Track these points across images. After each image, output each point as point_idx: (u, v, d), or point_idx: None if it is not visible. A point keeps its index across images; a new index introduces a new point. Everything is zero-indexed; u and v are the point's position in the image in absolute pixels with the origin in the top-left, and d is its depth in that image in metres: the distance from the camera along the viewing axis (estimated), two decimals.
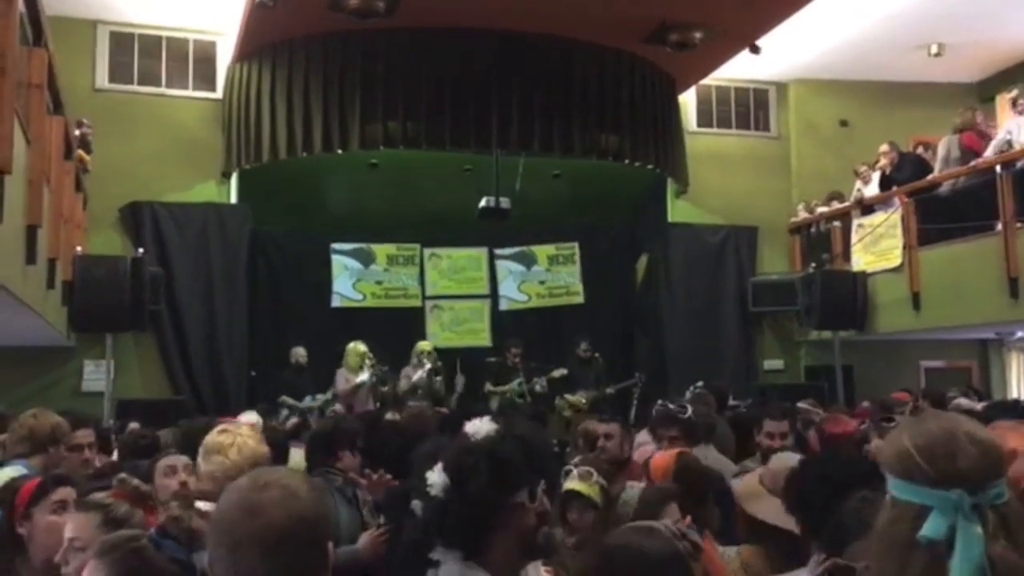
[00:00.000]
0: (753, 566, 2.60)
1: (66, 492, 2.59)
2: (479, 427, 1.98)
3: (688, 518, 2.36)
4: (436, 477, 1.85)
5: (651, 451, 4.26)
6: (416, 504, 1.91)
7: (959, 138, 9.15)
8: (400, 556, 2.03)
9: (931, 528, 1.28)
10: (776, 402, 6.70)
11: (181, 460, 3.25)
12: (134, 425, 5.91)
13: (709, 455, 4.40)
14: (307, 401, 9.36)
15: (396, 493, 1.93)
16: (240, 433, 2.93)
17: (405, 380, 9.59)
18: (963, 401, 6.92)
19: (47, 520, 2.51)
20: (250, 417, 3.38)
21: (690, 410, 4.39)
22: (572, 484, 2.94)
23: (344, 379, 9.39)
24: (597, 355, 10.23)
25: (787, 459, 2.98)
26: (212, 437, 2.90)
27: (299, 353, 9.76)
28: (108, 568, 1.84)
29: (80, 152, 8.40)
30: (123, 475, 2.61)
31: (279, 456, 4.00)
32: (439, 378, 9.63)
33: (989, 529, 1.27)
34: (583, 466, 3.05)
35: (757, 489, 2.83)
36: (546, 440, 2.53)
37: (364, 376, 9.30)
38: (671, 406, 4.50)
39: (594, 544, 1.90)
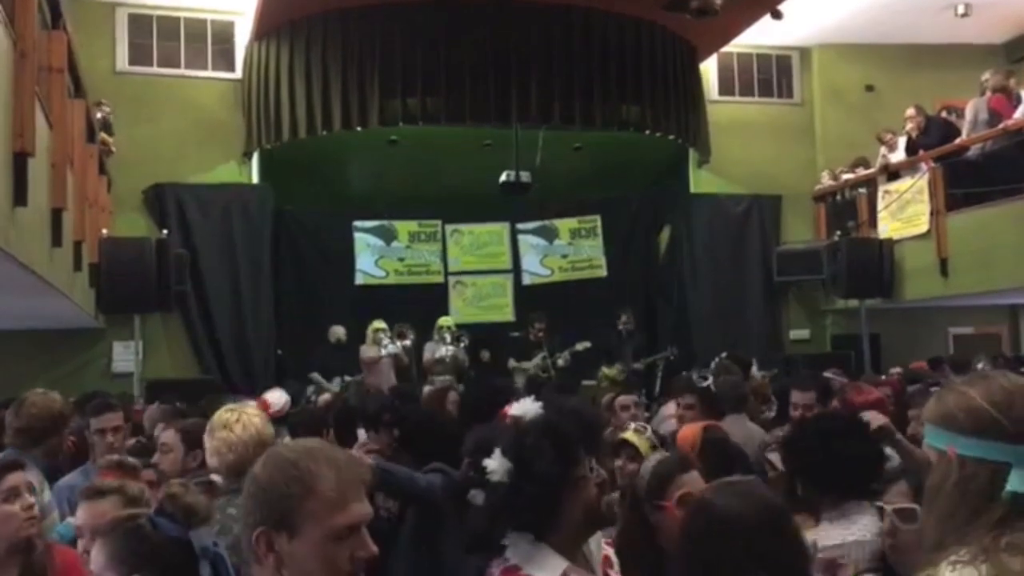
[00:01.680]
0: None
1: (16, 478, 2.51)
2: (526, 408, 1.98)
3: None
4: (496, 463, 1.84)
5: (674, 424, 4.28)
6: (475, 494, 1.88)
7: (987, 100, 8.97)
8: (464, 545, 2.05)
9: (1017, 483, 1.26)
10: (805, 371, 6.66)
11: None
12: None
13: (742, 425, 4.40)
14: (335, 383, 9.40)
15: (456, 486, 1.94)
16: (246, 412, 2.95)
17: (428, 354, 9.63)
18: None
19: (1, 510, 2.44)
20: (276, 395, 3.39)
21: (710, 379, 4.39)
22: (626, 435, 3.19)
23: (364, 354, 9.43)
24: (634, 328, 10.21)
25: None
26: (219, 414, 2.94)
27: (338, 332, 9.78)
28: (109, 547, 1.86)
29: (103, 135, 8.45)
30: (113, 456, 2.63)
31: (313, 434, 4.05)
32: (463, 345, 9.66)
33: None
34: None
35: None
36: (595, 411, 2.60)
37: (382, 351, 9.32)
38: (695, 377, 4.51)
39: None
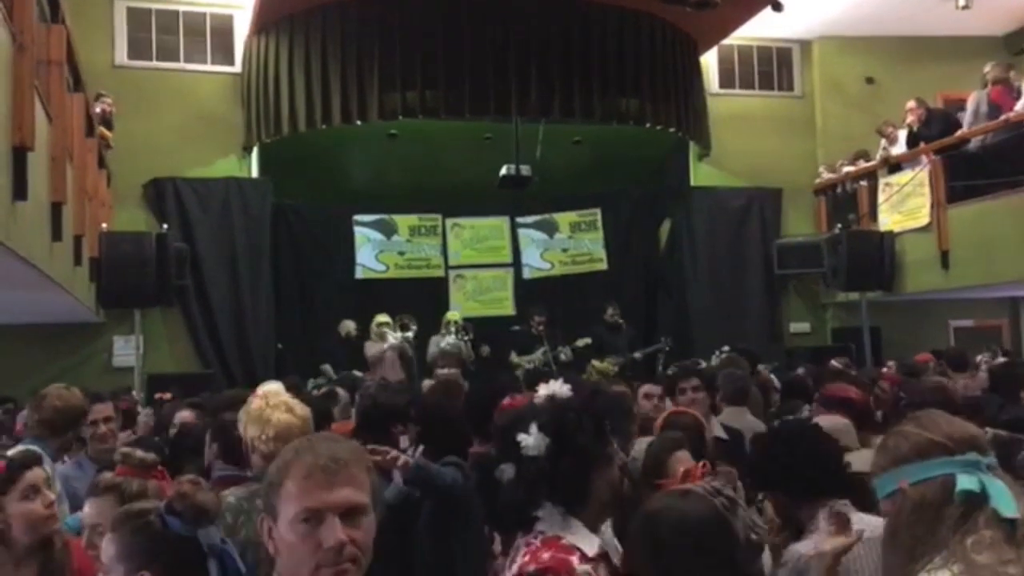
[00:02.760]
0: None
1: (36, 475, 2.49)
2: (556, 388, 2.02)
3: (700, 466, 2.41)
4: (533, 439, 1.89)
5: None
6: (505, 468, 1.92)
7: (987, 92, 8.96)
8: (497, 518, 2.10)
9: (966, 483, 1.41)
10: (804, 364, 6.65)
11: None
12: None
13: (742, 418, 4.41)
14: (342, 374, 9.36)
15: (484, 462, 1.97)
16: (283, 397, 2.85)
17: (433, 347, 9.63)
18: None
19: (20, 509, 2.43)
20: (271, 387, 3.34)
21: (703, 364, 4.48)
22: None
23: (369, 351, 9.42)
24: (621, 321, 10.19)
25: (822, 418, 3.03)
26: (263, 400, 2.84)
27: (349, 326, 9.75)
28: (118, 542, 1.86)
29: (102, 129, 8.44)
30: (126, 449, 2.62)
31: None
32: (468, 338, 9.66)
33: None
34: None
35: None
36: (622, 395, 2.64)
37: (384, 345, 9.31)
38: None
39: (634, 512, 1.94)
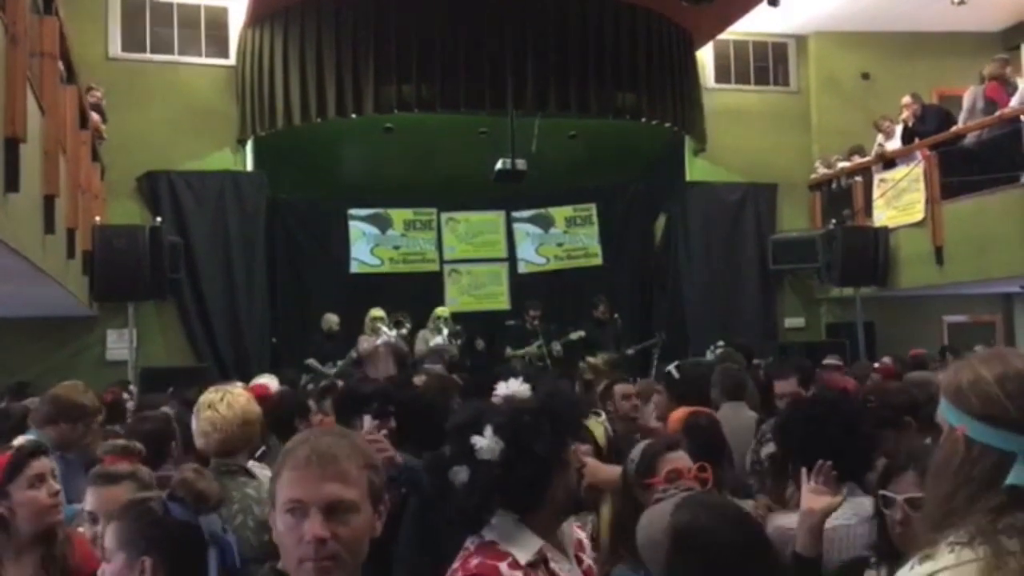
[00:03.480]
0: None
1: (43, 464, 2.50)
2: (516, 388, 1.96)
3: (695, 467, 2.42)
4: (487, 441, 1.82)
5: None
6: (459, 471, 1.85)
7: (983, 88, 8.97)
8: (449, 523, 2.05)
9: (1019, 476, 1.26)
10: (794, 359, 6.64)
11: None
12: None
13: (739, 413, 4.41)
14: (328, 367, 9.40)
15: (437, 463, 1.92)
16: (230, 391, 2.96)
17: (423, 343, 9.62)
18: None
19: (26, 496, 2.43)
20: (265, 380, 3.35)
21: (672, 368, 4.53)
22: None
23: (362, 344, 9.42)
24: (616, 316, 10.20)
25: None
26: (204, 396, 2.97)
27: (331, 320, 9.76)
28: (120, 529, 1.87)
29: (96, 118, 8.38)
30: (109, 442, 2.64)
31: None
32: (458, 342, 9.67)
33: None
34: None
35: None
36: (580, 397, 2.63)
37: (378, 340, 9.31)
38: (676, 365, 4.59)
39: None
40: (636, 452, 2.61)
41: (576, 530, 2.05)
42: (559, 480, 1.87)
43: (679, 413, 3.54)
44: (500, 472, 1.81)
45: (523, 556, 1.81)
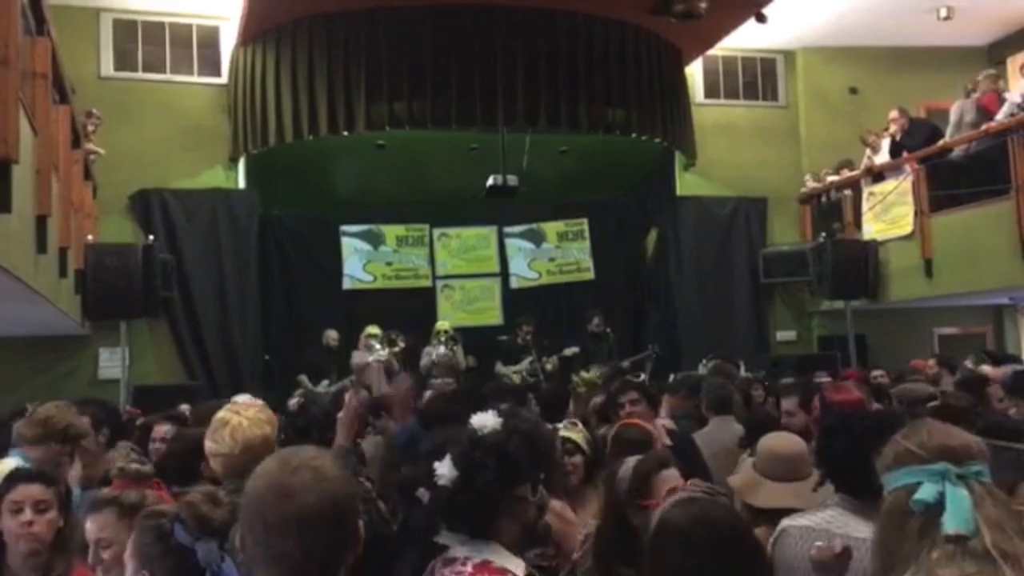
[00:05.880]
0: None
1: (27, 491, 2.53)
2: (485, 421, 2.03)
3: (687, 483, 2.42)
4: (445, 469, 1.93)
5: None
6: (422, 492, 1.96)
7: (976, 100, 9.05)
8: (405, 540, 2.15)
9: (923, 493, 1.43)
10: (789, 377, 6.65)
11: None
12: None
13: (727, 427, 4.43)
14: (323, 385, 9.38)
15: (407, 482, 1.99)
16: (238, 414, 2.87)
17: (426, 358, 9.63)
18: (987, 369, 6.82)
19: (7, 524, 2.47)
20: (244, 399, 3.30)
21: (643, 376, 4.63)
22: (563, 432, 3.55)
23: (355, 359, 9.42)
24: (609, 330, 10.22)
25: (775, 438, 3.06)
26: (216, 416, 2.91)
27: (331, 336, 9.75)
28: (134, 540, 1.94)
29: (90, 147, 8.39)
30: (121, 464, 2.63)
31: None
32: (458, 347, 9.67)
33: (975, 496, 1.42)
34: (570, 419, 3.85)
35: (751, 478, 2.89)
36: (548, 435, 2.64)
37: (370, 356, 9.30)
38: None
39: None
40: (626, 471, 2.59)
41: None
42: (511, 515, 1.94)
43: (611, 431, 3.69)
44: (451, 499, 1.91)
45: (519, 571, 1.90)
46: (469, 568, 1.87)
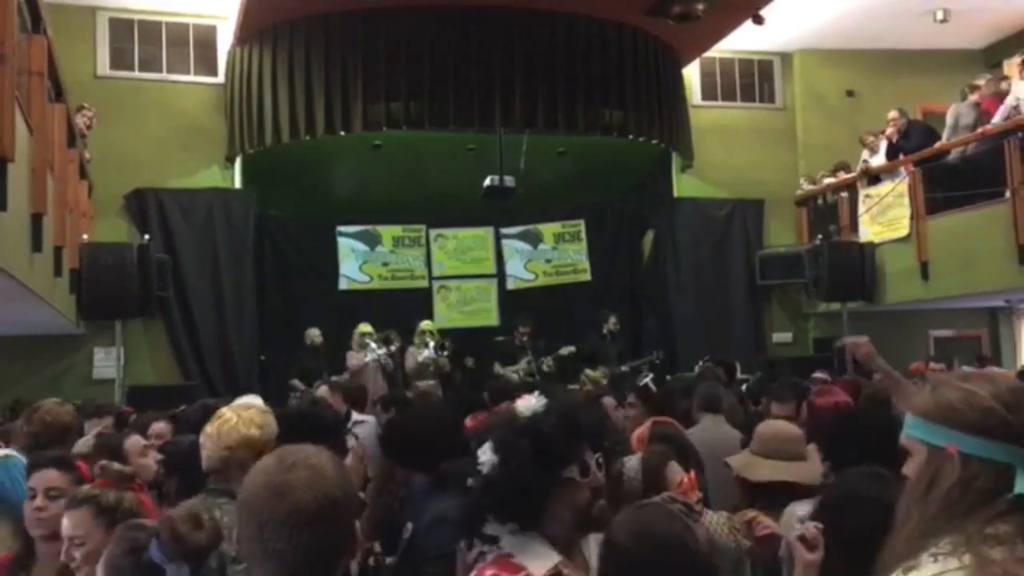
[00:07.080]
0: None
1: (42, 477, 2.59)
2: (530, 404, 2.00)
3: (689, 475, 2.42)
4: (485, 456, 1.90)
5: None
6: (472, 481, 1.94)
7: (977, 103, 9.06)
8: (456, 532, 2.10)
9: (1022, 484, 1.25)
10: (784, 380, 6.65)
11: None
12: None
13: (717, 426, 4.43)
14: (317, 385, 9.32)
15: (461, 471, 1.98)
16: (238, 414, 2.81)
17: (411, 359, 9.59)
18: (995, 370, 6.83)
19: (24, 509, 2.55)
20: (249, 400, 3.28)
21: (648, 379, 4.57)
22: None
23: (351, 360, 9.39)
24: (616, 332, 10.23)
25: (771, 423, 3.17)
26: (216, 414, 2.88)
27: (313, 334, 9.67)
28: (109, 554, 1.93)
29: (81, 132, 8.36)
30: (103, 462, 2.61)
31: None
32: (445, 354, 9.64)
33: None
34: None
35: (749, 459, 3.01)
36: (595, 413, 2.58)
37: (367, 356, 9.28)
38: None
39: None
40: (633, 468, 2.60)
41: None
42: (558, 499, 1.87)
43: (642, 430, 3.60)
44: (493, 486, 1.87)
45: (538, 570, 1.82)
46: (489, 559, 1.86)
